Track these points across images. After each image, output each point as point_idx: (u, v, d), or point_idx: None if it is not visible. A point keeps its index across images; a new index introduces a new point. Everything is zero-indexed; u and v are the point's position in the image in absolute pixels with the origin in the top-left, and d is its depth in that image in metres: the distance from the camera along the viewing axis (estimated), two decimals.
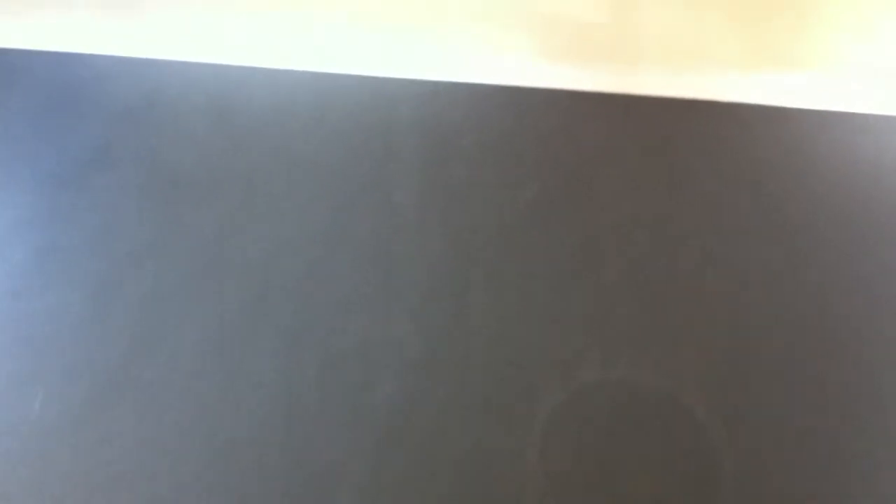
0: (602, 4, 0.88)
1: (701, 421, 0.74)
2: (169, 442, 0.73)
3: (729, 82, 0.87)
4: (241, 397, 0.75)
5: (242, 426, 0.74)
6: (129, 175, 0.84)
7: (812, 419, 0.74)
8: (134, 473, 0.72)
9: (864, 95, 0.87)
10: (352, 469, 0.73)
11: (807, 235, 0.81)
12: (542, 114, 0.86)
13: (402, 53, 0.88)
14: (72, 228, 0.82)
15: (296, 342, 0.77)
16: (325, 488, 0.72)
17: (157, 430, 0.74)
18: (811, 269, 0.80)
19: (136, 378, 0.76)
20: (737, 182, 0.83)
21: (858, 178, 0.84)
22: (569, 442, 0.74)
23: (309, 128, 0.86)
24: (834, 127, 0.86)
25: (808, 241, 0.81)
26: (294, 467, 0.73)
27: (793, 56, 0.88)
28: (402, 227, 0.81)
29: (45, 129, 0.86)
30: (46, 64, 0.90)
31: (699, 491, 0.72)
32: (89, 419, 0.74)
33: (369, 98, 0.87)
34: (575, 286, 0.79)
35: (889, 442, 0.74)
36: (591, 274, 0.80)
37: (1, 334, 0.77)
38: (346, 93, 0.87)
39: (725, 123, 0.86)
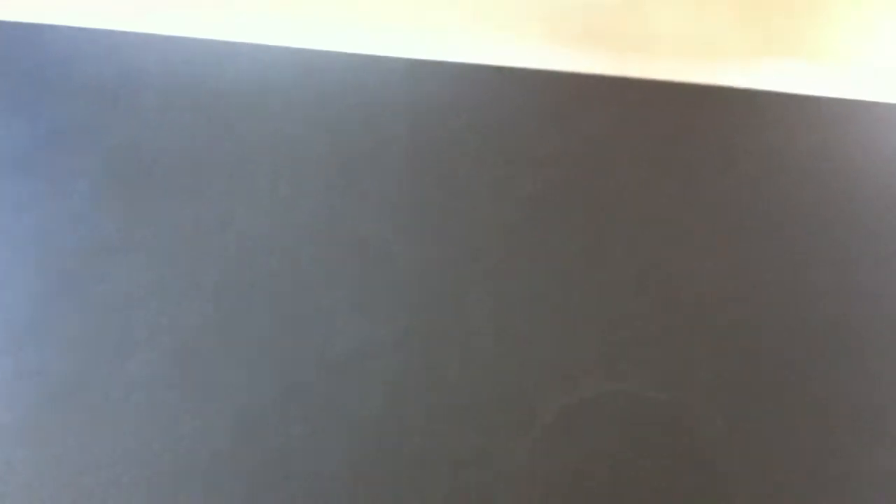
0: None
1: (710, 435, 0.70)
2: (135, 451, 0.68)
3: (743, 70, 0.82)
4: (218, 406, 0.70)
5: (220, 437, 0.69)
6: (97, 160, 0.78)
7: (829, 433, 0.71)
8: (95, 483, 0.67)
9: (883, 85, 0.83)
10: (341, 481, 0.68)
11: (832, 232, 0.77)
12: (545, 98, 0.81)
13: (399, 34, 0.83)
14: (31, 218, 0.76)
15: (279, 346, 0.72)
16: (312, 501, 0.67)
17: (123, 439, 0.69)
18: (835, 269, 0.76)
19: (99, 383, 0.71)
20: (753, 174, 0.79)
21: (879, 169, 0.79)
22: (570, 453, 0.69)
23: (295, 110, 0.80)
24: (853, 116, 0.81)
25: (833, 238, 0.77)
26: (279, 479, 0.68)
27: (809, 44, 0.84)
28: (395, 221, 0.76)
29: (4, 107, 0.80)
30: (7, 35, 0.83)
31: None
32: (46, 425, 0.69)
33: (360, 77, 0.81)
34: (580, 288, 0.75)
35: None
36: (597, 274, 0.75)
37: None
38: (336, 71, 0.81)
39: (740, 110, 0.81)
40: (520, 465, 0.69)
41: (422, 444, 0.70)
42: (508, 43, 0.83)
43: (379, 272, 0.74)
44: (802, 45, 0.84)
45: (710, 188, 0.78)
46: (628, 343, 0.72)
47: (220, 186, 0.77)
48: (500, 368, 0.72)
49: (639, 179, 0.78)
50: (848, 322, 0.74)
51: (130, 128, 0.79)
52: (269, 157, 0.78)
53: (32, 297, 0.73)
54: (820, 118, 0.81)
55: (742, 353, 0.73)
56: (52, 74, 0.81)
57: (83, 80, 0.81)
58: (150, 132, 0.79)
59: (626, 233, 0.76)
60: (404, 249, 0.75)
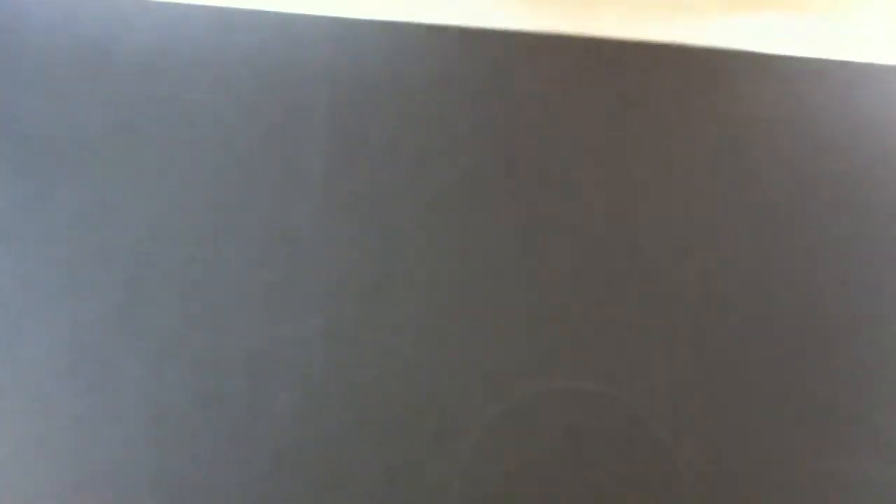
0: None
1: (662, 440, 0.63)
2: (32, 459, 0.62)
3: (712, 25, 0.74)
4: (111, 412, 0.64)
5: (111, 447, 0.63)
6: None
7: (788, 435, 0.64)
8: None
9: (864, 42, 0.74)
10: (244, 497, 0.62)
11: (799, 212, 0.69)
12: (482, 60, 0.72)
13: None
14: None
15: (177, 344, 0.65)
16: None
17: (18, 444, 0.63)
18: (802, 256, 0.68)
19: None
20: (717, 146, 0.71)
21: (858, 137, 0.71)
22: (504, 464, 0.63)
23: (199, 77, 0.71)
24: (829, 77, 0.73)
25: (800, 219, 0.69)
26: (175, 493, 0.62)
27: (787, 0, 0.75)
28: (308, 202, 0.68)
29: None
30: None
31: None
32: None
33: (273, 38, 0.72)
34: (517, 277, 0.67)
35: (863, 460, 0.65)
36: (536, 262, 0.67)
37: None
38: (246, 31, 0.72)
39: (706, 72, 0.72)
40: (452, 476, 0.62)
41: (343, 453, 0.63)
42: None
43: (296, 261, 0.67)
44: (785, 1, 0.75)
45: (674, 160, 0.70)
46: (573, 338, 0.65)
47: (113, 167, 0.69)
48: (431, 368, 0.65)
49: (590, 153, 0.70)
50: (833, 311, 0.67)
51: (12, 99, 0.71)
52: (173, 132, 0.69)
53: None
54: (796, 79, 0.73)
55: (701, 344, 0.66)
56: None
57: None
58: (36, 104, 0.70)
59: (572, 214, 0.68)
60: (325, 236, 0.67)
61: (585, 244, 0.68)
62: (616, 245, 0.68)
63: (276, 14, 0.73)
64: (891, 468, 0.64)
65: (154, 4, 0.74)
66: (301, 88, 0.71)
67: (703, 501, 0.63)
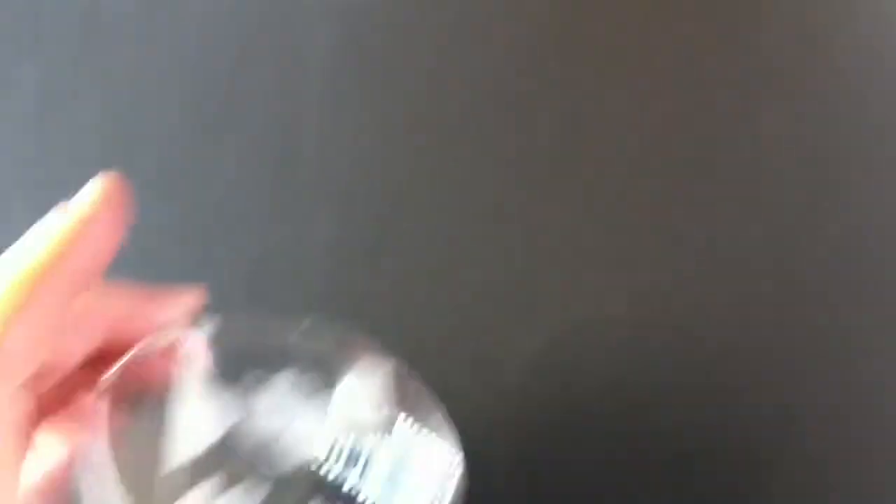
0: None
1: (735, 365, 0.54)
2: None
3: None
4: None
5: None
6: None
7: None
8: None
9: None
10: None
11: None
12: None
13: None
14: None
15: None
16: None
17: None
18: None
19: None
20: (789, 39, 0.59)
21: None
22: (553, 400, 0.54)
23: None
24: None
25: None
26: None
27: None
28: (309, 100, 0.57)
29: None
30: None
31: (733, 475, 0.53)
32: None
33: None
34: (567, 183, 0.57)
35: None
36: (591, 166, 0.57)
37: None
38: None
39: None
40: (488, 428, 0.52)
41: None
42: None
43: (281, 172, 0.56)
44: None
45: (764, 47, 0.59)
46: (633, 262, 0.56)
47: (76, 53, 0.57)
48: (462, 289, 0.55)
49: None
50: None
51: None
52: (144, 20, 0.58)
53: None
54: None
55: (776, 252, 0.56)
56: None
57: None
58: None
59: (621, 117, 0.58)
60: (318, 138, 0.56)
61: (649, 139, 0.57)
62: (684, 140, 0.58)
63: None
64: None
65: None
66: None
67: (782, 429, 0.54)
